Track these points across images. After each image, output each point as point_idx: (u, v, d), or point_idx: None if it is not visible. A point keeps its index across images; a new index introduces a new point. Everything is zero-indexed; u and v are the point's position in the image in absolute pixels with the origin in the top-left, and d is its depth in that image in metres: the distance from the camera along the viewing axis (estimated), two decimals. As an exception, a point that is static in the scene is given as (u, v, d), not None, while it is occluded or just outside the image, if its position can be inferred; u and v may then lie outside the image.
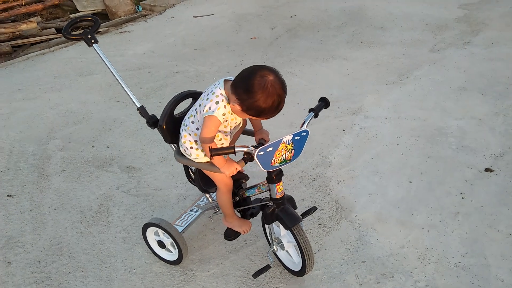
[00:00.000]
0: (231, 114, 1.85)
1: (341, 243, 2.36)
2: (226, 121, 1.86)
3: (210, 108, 1.79)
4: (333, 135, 3.33)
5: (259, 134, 2.13)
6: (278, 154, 1.76)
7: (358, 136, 3.30)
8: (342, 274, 2.18)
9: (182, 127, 2.02)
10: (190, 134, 1.97)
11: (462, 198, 2.64)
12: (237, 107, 1.74)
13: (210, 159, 1.69)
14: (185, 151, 2.02)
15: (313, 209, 2.21)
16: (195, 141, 1.98)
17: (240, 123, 1.97)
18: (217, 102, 1.79)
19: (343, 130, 3.37)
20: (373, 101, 3.77)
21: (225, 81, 1.83)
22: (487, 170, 2.87)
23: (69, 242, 2.47)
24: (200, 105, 1.88)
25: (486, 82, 3.94)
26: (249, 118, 1.88)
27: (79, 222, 2.60)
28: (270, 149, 1.73)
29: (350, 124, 3.44)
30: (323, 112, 3.52)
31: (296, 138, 1.79)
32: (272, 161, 1.77)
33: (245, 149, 1.74)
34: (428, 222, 2.48)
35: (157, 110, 3.79)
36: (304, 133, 1.81)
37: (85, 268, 2.30)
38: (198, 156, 1.99)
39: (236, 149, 1.69)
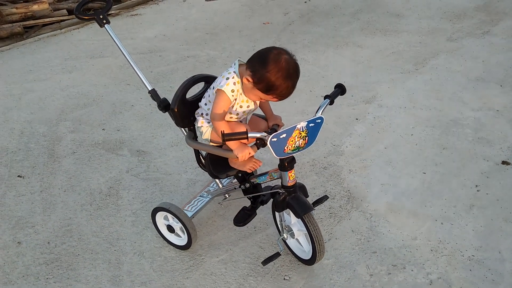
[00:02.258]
0: (241, 94, 1.84)
1: (352, 233, 2.32)
2: (236, 99, 1.84)
3: (220, 83, 1.81)
4: (346, 123, 3.27)
5: (272, 120, 2.10)
6: (292, 141, 1.72)
7: (372, 125, 3.24)
8: (352, 264, 2.15)
9: (197, 112, 2.01)
10: (202, 115, 1.99)
11: (478, 190, 2.58)
12: (249, 79, 1.74)
13: (223, 143, 1.66)
14: (201, 134, 2.01)
15: (325, 198, 2.17)
16: (209, 122, 1.98)
17: (252, 108, 1.93)
18: (227, 78, 1.80)
19: (356, 119, 3.30)
20: (388, 90, 3.69)
21: (240, 64, 1.85)
22: (503, 163, 2.79)
23: (78, 224, 2.47)
24: (213, 87, 1.90)
25: (504, 73, 3.83)
26: (259, 98, 1.83)
27: (88, 204, 2.60)
28: (284, 135, 1.68)
29: (363, 113, 3.37)
30: (336, 100, 3.46)
31: (310, 125, 1.74)
32: (285, 148, 1.72)
33: (258, 135, 1.70)
34: (441, 214, 2.43)
35: (167, 94, 3.74)
36: (319, 120, 1.76)
37: (94, 250, 2.30)
38: (202, 123, 1.99)
39: (249, 135, 1.65)
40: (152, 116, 3.45)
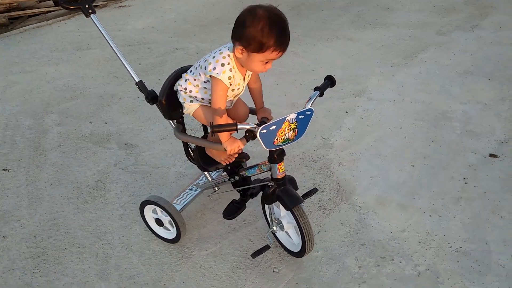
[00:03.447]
0: (235, 77, 1.78)
1: (341, 225, 2.33)
2: (231, 84, 1.79)
3: (214, 68, 1.72)
4: (336, 116, 3.26)
5: (261, 112, 2.08)
6: (281, 132, 1.71)
7: (361, 118, 3.24)
8: (341, 256, 2.15)
9: (180, 85, 1.94)
10: (186, 90, 1.91)
11: (465, 183, 2.60)
12: (239, 48, 1.66)
13: (212, 135, 1.64)
14: (183, 108, 1.96)
15: (314, 190, 2.17)
16: (195, 96, 1.92)
17: (241, 91, 1.90)
18: (222, 64, 1.72)
19: (346, 112, 3.30)
20: (377, 83, 3.69)
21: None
22: (491, 155, 2.82)
23: (65, 218, 2.43)
24: (205, 61, 1.80)
25: (493, 66, 3.86)
26: (263, 64, 1.71)
27: (75, 198, 2.56)
28: (273, 127, 1.67)
29: (353, 106, 3.37)
30: (326, 93, 3.44)
31: (300, 117, 1.73)
32: (275, 140, 1.71)
33: (248, 126, 1.68)
34: (430, 206, 2.44)
35: (156, 86, 3.68)
36: (309, 112, 1.75)
37: (82, 244, 2.26)
38: (184, 100, 1.94)
39: (239, 126, 1.63)
40: (140, 108, 3.41)
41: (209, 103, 1.90)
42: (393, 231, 2.29)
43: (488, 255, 2.15)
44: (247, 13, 1.63)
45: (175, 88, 1.98)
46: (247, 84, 1.96)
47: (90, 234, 2.32)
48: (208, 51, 4.27)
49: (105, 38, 2.10)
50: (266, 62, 1.72)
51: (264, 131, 1.65)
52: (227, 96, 1.87)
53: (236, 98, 1.97)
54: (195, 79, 1.88)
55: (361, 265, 2.11)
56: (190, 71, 1.92)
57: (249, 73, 1.88)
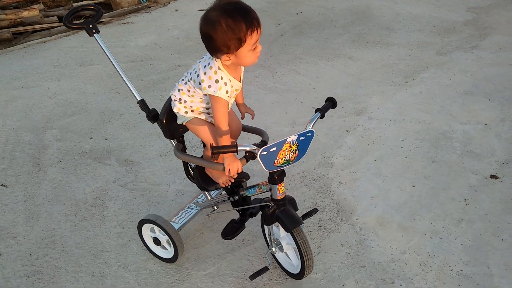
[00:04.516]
0: (232, 86, 1.74)
1: (341, 247, 2.30)
2: (230, 96, 1.76)
3: (210, 86, 1.69)
4: (336, 135, 3.26)
5: (244, 108, 2.06)
6: (282, 154, 1.70)
7: (362, 137, 3.24)
8: (341, 278, 2.12)
9: (174, 96, 1.91)
10: (181, 101, 1.88)
11: (466, 204, 2.58)
12: (224, 57, 1.62)
13: (212, 157, 1.63)
14: (175, 105, 1.93)
15: (314, 211, 2.15)
16: (190, 106, 1.89)
17: (239, 89, 1.87)
18: (216, 81, 1.68)
19: (347, 131, 3.30)
20: (378, 102, 3.70)
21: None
22: (492, 176, 2.81)
23: (62, 235, 2.41)
24: (197, 75, 1.75)
25: (492, 87, 3.88)
26: (251, 56, 1.65)
27: (73, 215, 2.54)
28: (274, 149, 1.67)
29: (353, 125, 3.37)
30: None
31: (301, 138, 1.73)
32: (275, 161, 1.71)
33: (248, 148, 1.68)
34: (431, 228, 2.42)
35: (157, 103, 3.74)
36: (310, 134, 1.75)
37: (78, 263, 2.24)
38: (179, 110, 1.91)
39: (239, 148, 1.63)
40: (141, 125, 3.41)
41: (205, 111, 1.89)
42: (393, 253, 2.26)
43: (490, 279, 2.12)
44: (205, 24, 1.60)
45: (170, 97, 1.95)
46: None
47: (86, 252, 2.29)
48: (209, 68, 4.35)
49: (108, 56, 2.12)
50: (254, 49, 1.64)
51: (265, 152, 1.65)
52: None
53: (233, 98, 1.92)
54: (189, 90, 1.83)
55: (361, 287, 2.08)
56: (182, 80, 1.87)
57: (242, 68, 1.83)
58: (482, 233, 2.38)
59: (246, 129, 2.10)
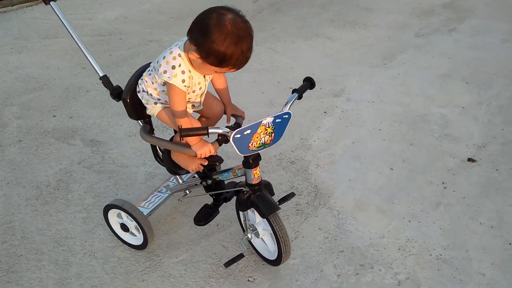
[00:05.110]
0: (192, 78, 1.62)
1: (319, 231, 2.23)
2: (189, 87, 1.63)
3: (165, 72, 1.57)
4: (314, 116, 3.17)
5: (231, 109, 1.94)
6: (257, 137, 1.59)
7: (340, 119, 3.16)
8: (319, 264, 2.05)
9: (141, 88, 1.79)
10: (148, 93, 1.75)
11: (444, 188, 2.55)
12: (196, 55, 1.50)
13: (180, 140, 1.49)
14: (146, 109, 1.81)
15: (291, 195, 2.06)
16: (158, 99, 1.76)
17: (203, 90, 1.74)
18: (173, 67, 1.55)
19: (325, 112, 3.21)
20: (356, 83, 3.62)
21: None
22: (469, 160, 2.79)
23: (22, 220, 2.23)
24: (157, 62, 1.64)
25: (470, 70, 3.86)
26: (214, 72, 1.60)
27: (34, 198, 2.36)
28: (248, 131, 1.55)
29: (331, 106, 3.29)
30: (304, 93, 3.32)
31: (277, 120, 1.62)
32: (250, 145, 1.59)
33: (220, 131, 1.55)
34: (409, 211, 2.38)
35: (127, 79, 3.53)
36: (286, 116, 1.64)
37: (40, 250, 2.07)
38: (148, 102, 1.78)
39: (210, 130, 1.50)
40: (108, 103, 3.21)
41: None
42: (372, 238, 2.21)
43: (469, 263, 2.10)
44: (214, 22, 1.44)
45: (137, 89, 1.82)
46: (211, 80, 1.83)
47: (49, 239, 2.13)
48: (183, 45, 4.15)
49: (66, 27, 1.92)
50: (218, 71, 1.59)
51: (238, 135, 1.53)
52: (190, 98, 1.73)
53: (203, 98, 1.82)
54: (153, 82, 1.73)
55: (339, 273, 2.02)
56: (148, 71, 1.76)
57: None
58: (460, 217, 2.35)
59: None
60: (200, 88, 1.72)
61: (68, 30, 1.91)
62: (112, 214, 2.02)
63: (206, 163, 1.82)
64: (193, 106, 1.83)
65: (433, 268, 2.06)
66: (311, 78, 1.80)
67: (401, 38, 4.43)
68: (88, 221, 2.23)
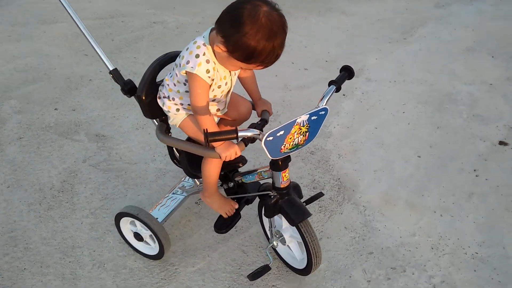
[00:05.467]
0: (217, 71, 1.46)
1: (345, 230, 2.07)
2: (213, 80, 1.46)
3: (188, 62, 1.42)
4: (332, 100, 2.89)
5: (260, 105, 1.75)
6: (290, 138, 1.40)
7: (360, 102, 2.95)
8: (347, 269, 1.90)
9: (162, 93, 1.63)
10: (170, 98, 1.60)
11: (476, 176, 2.36)
12: (222, 48, 1.35)
13: (206, 144, 1.31)
14: (168, 118, 1.67)
15: (320, 195, 1.86)
16: (181, 104, 1.60)
17: (229, 87, 1.57)
18: (197, 56, 1.41)
19: (344, 95, 3.00)
20: (376, 61, 3.38)
21: (212, 29, 1.43)
22: (501, 143, 2.58)
23: (25, 229, 2.08)
24: (180, 57, 1.49)
25: (495, 43, 3.60)
26: (239, 68, 1.45)
27: (37, 203, 2.21)
28: (281, 132, 1.36)
29: (351, 88, 3.06)
30: (319, 72, 3.11)
31: (312, 118, 1.43)
32: (282, 147, 1.41)
33: (250, 133, 1.37)
34: (440, 204, 2.20)
35: (132, 66, 3.32)
36: (323, 112, 1.46)
37: (45, 263, 1.93)
38: (170, 108, 1.63)
39: (240, 133, 1.31)
40: (113, 93, 3.02)
41: None
42: (402, 236, 2.04)
43: (507, 262, 1.93)
44: (248, 13, 1.29)
45: (158, 96, 1.65)
46: (239, 75, 1.64)
47: (55, 249, 1.98)
48: (189, 26, 3.90)
49: (70, 16, 1.70)
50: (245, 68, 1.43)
51: (270, 138, 1.34)
52: (215, 95, 1.54)
53: (228, 97, 1.63)
54: (175, 84, 1.55)
55: (370, 278, 1.86)
56: (169, 73, 1.59)
57: None
58: (495, 208, 2.17)
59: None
60: (226, 84, 1.53)
61: (73, 20, 1.69)
62: (125, 222, 1.86)
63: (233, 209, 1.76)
64: (218, 110, 1.65)
65: (469, 269, 1.90)
66: (349, 67, 1.60)
67: (419, 9, 4.14)
68: (96, 227, 2.08)
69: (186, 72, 1.44)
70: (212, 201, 1.78)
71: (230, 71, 1.52)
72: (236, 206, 1.78)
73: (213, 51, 1.42)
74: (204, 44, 1.42)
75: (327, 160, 2.47)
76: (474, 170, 2.40)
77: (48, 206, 2.19)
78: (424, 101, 2.94)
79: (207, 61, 1.41)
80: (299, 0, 4.25)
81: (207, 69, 1.42)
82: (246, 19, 1.28)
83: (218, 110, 1.65)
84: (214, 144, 1.45)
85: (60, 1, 1.69)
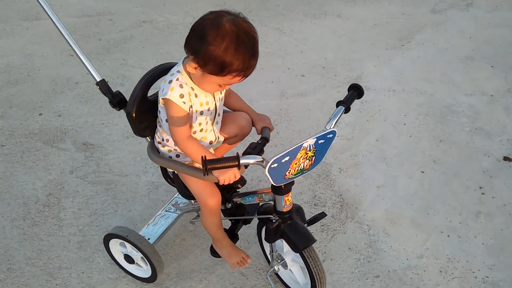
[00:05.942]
0: (195, 96, 1.38)
1: (349, 252, 1.97)
2: (191, 106, 1.39)
3: (163, 90, 1.38)
4: (331, 109, 2.78)
5: (259, 121, 1.64)
6: (296, 163, 1.29)
7: (360, 112, 2.85)
8: (353, 294, 1.80)
9: (156, 136, 1.57)
10: (167, 140, 1.54)
11: (482, 193, 2.30)
12: (193, 65, 1.29)
13: (205, 174, 1.19)
14: (163, 152, 1.57)
15: (322, 215, 1.75)
16: (175, 149, 1.53)
17: (212, 108, 1.47)
18: (170, 81, 1.37)
19: (342, 104, 2.89)
20: (374, 69, 3.30)
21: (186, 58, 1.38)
22: (505, 158, 2.52)
23: (7, 247, 1.92)
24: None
25: (494, 51, 3.55)
26: (218, 86, 1.36)
27: (21, 219, 2.05)
28: (286, 158, 1.25)
29: (349, 97, 2.96)
30: (316, 80, 3.01)
31: (319, 141, 1.33)
32: (287, 172, 1.30)
33: (252, 161, 1.25)
34: (447, 224, 2.12)
35: (120, 69, 3.16)
36: (331, 135, 1.35)
37: (30, 285, 1.78)
38: (170, 151, 1.55)
39: (242, 161, 1.20)
40: (101, 97, 2.84)
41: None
42: (409, 258, 1.96)
43: (518, 287, 1.86)
44: (210, 24, 1.25)
45: (155, 142, 1.56)
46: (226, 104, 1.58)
47: (40, 270, 1.84)
48: (180, 25, 3.74)
49: (46, 13, 1.56)
50: (221, 85, 1.36)
51: (275, 165, 1.23)
52: (200, 123, 1.45)
53: (217, 126, 1.53)
54: (160, 123, 1.50)
55: (377, 305, 1.77)
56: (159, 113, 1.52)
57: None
58: (504, 229, 2.11)
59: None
60: (208, 110, 1.43)
61: (53, 21, 1.55)
62: (114, 243, 1.72)
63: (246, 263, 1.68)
64: (211, 142, 1.53)
65: (480, 294, 1.83)
66: (358, 85, 1.50)
67: (416, 14, 4.07)
68: (85, 246, 1.93)
69: (163, 102, 1.37)
70: (221, 250, 1.68)
71: (213, 96, 1.43)
72: (249, 261, 1.68)
73: (189, 75, 1.36)
74: (178, 71, 1.38)
75: (327, 175, 2.37)
76: (480, 188, 2.34)
77: (32, 222, 2.03)
78: (425, 112, 2.87)
79: (181, 86, 1.35)
80: (294, 2, 4.13)
81: (181, 94, 1.34)
82: (209, 28, 1.25)
83: (211, 142, 1.55)
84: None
85: (38, 1, 1.55)
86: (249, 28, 1.27)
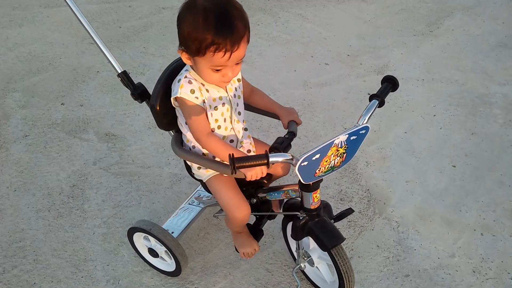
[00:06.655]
0: (208, 91, 1.34)
1: (377, 249, 1.91)
2: (205, 101, 1.34)
3: (173, 90, 1.37)
4: (357, 100, 2.76)
5: (286, 115, 1.55)
6: (326, 161, 1.23)
7: (387, 102, 2.72)
8: (382, 293, 1.75)
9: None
10: (194, 147, 1.51)
11: (517, 189, 2.19)
12: (185, 55, 1.29)
13: (232, 172, 1.14)
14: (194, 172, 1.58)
15: (349, 211, 1.68)
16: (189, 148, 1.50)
17: (228, 107, 1.41)
18: (178, 81, 1.35)
19: (368, 94, 2.80)
20: (401, 56, 3.17)
21: None
22: (541, 152, 2.40)
23: (34, 238, 1.93)
24: None
25: (529, 38, 3.38)
26: (213, 69, 1.28)
27: (46, 210, 2.05)
28: (317, 156, 1.19)
29: (376, 86, 2.83)
30: (342, 69, 2.90)
31: (351, 138, 1.26)
32: (317, 170, 1.24)
33: (281, 159, 1.19)
34: (480, 221, 2.04)
35: (141, 57, 3.12)
36: (363, 131, 1.28)
37: (56, 277, 1.78)
38: (192, 165, 1.56)
39: (271, 159, 1.14)
40: (122, 87, 2.77)
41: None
42: (440, 257, 1.88)
43: (556, 289, 1.78)
44: (187, 6, 1.25)
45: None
46: (247, 101, 1.52)
47: (66, 262, 1.84)
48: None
49: (66, 3, 1.53)
50: (218, 70, 1.27)
51: (305, 163, 1.17)
52: (217, 120, 1.39)
53: (238, 125, 1.46)
54: (182, 125, 1.46)
55: (407, 305, 1.71)
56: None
57: (237, 75, 1.39)
58: (540, 227, 2.01)
59: (264, 110, 1.59)
60: (224, 105, 1.37)
61: (75, 14, 1.51)
62: (138, 237, 1.70)
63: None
64: (231, 141, 1.47)
65: (516, 296, 1.75)
66: (393, 77, 1.42)
67: (446, -1, 3.90)
68: (109, 239, 1.93)
69: (176, 103, 1.36)
70: (239, 235, 1.65)
71: (226, 91, 1.38)
72: (258, 249, 1.66)
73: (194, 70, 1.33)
74: (186, 70, 1.37)
75: (354, 168, 2.30)
76: (513, 182, 2.23)
77: (57, 213, 2.03)
78: (456, 103, 2.75)
79: (189, 82, 1.32)
80: (318, -13, 4.00)
81: (191, 89, 1.31)
82: (185, 11, 1.24)
83: (231, 141, 1.48)
84: None
85: None
86: (226, 2, 1.22)
